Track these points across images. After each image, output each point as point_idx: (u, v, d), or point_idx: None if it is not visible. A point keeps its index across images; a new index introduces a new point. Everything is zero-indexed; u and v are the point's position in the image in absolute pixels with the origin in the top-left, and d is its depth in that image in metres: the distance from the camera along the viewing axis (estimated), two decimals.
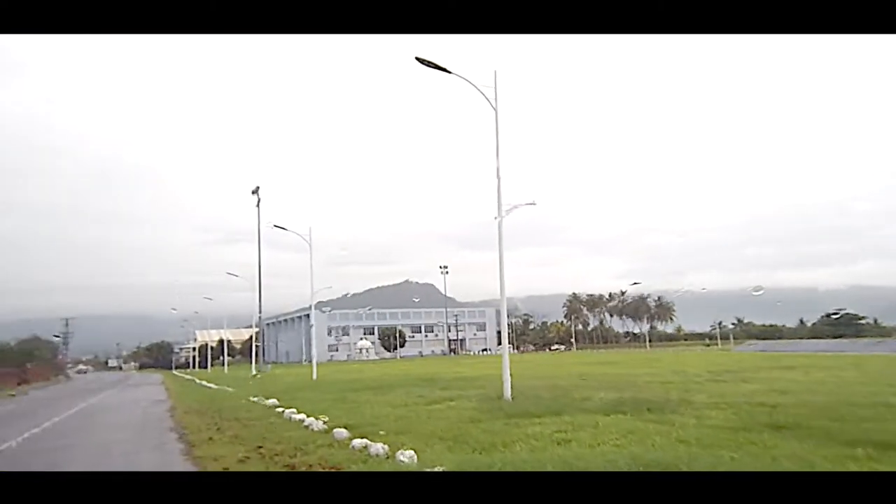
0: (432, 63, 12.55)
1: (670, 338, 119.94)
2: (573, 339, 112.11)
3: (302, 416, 12.17)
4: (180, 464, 8.50)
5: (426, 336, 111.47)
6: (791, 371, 21.07)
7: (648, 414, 10.27)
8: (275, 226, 33.84)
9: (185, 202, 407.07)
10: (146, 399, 25.51)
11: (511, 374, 13.92)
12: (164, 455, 9.45)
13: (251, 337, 68.12)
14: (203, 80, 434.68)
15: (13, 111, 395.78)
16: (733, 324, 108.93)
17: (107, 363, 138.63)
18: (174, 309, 72.12)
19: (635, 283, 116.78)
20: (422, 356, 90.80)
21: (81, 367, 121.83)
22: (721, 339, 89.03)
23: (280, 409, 14.12)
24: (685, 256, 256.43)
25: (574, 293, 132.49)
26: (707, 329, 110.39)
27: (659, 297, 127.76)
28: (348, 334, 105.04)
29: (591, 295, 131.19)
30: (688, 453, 6.47)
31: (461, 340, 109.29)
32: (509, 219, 14.04)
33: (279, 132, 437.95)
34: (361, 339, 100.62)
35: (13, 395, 33.98)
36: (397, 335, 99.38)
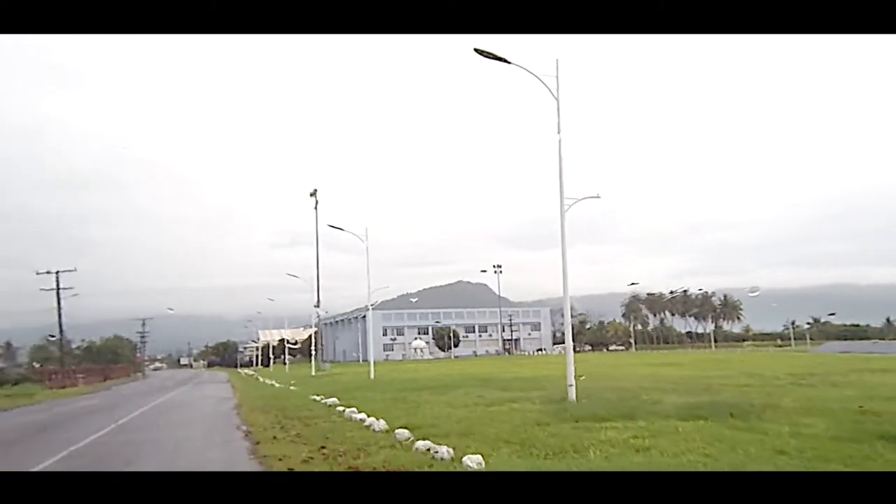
0: (491, 54, 12.12)
1: (737, 338, 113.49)
2: (632, 339, 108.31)
3: (363, 415, 12.10)
4: (246, 462, 8.54)
5: (480, 336, 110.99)
6: (888, 375, 19.16)
7: (732, 420, 9.45)
8: (330, 225, 34.50)
9: (252, 208, 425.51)
10: (214, 396, 26.54)
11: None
12: (231, 453, 9.57)
13: (311, 336, 70.14)
14: (266, 87, 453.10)
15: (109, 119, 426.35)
16: (808, 323, 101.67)
17: (179, 361, 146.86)
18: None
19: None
20: (476, 356, 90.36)
21: (157, 364, 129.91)
22: (795, 339, 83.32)
23: (341, 409, 14.15)
24: (753, 252, 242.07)
25: (633, 291, 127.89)
26: (779, 329, 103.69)
27: (725, 295, 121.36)
28: (403, 334, 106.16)
29: (651, 293, 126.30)
30: (791, 467, 5.76)
31: (515, 340, 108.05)
32: (566, 216, 13.41)
33: (334, 134, 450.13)
34: (416, 338, 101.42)
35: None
36: (451, 335, 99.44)
